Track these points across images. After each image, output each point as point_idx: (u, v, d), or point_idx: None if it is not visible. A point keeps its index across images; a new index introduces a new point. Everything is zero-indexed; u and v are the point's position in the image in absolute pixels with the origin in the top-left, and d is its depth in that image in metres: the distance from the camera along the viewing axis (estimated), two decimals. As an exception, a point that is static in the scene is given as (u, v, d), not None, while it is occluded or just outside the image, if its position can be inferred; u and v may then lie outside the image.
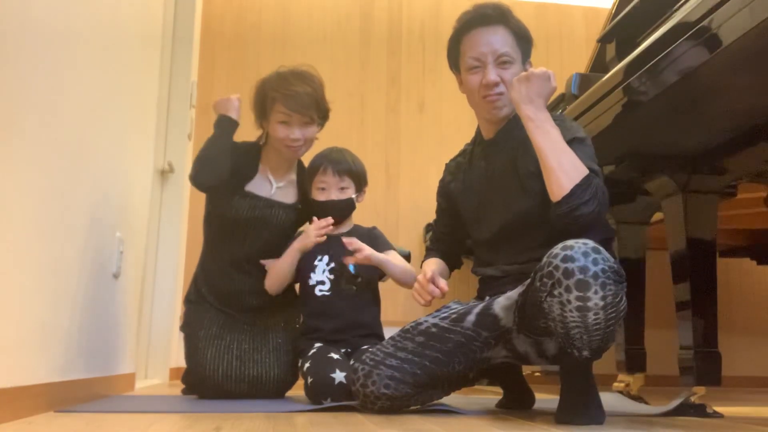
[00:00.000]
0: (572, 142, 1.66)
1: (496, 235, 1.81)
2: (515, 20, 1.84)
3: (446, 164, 2.02)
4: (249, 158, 2.31)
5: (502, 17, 1.82)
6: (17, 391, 1.37)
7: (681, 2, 1.74)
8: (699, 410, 1.83)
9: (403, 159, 4.10)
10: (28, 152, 1.41)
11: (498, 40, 1.79)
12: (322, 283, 2.15)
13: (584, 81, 2.26)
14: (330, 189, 2.19)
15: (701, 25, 1.53)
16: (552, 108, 2.44)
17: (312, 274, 2.16)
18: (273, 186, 2.31)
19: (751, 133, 1.84)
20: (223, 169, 2.20)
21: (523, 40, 1.83)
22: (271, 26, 4.17)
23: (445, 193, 2.00)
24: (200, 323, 2.19)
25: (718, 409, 1.87)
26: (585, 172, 1.59)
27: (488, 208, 1.83)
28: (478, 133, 1.92)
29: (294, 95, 2.21)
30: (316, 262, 2.17)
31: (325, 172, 2.19)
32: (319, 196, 2.20)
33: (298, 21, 4.22)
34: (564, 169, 1.58)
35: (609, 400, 2.16)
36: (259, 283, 2.23)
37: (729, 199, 2.13)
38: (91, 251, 1.91)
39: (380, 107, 4.14)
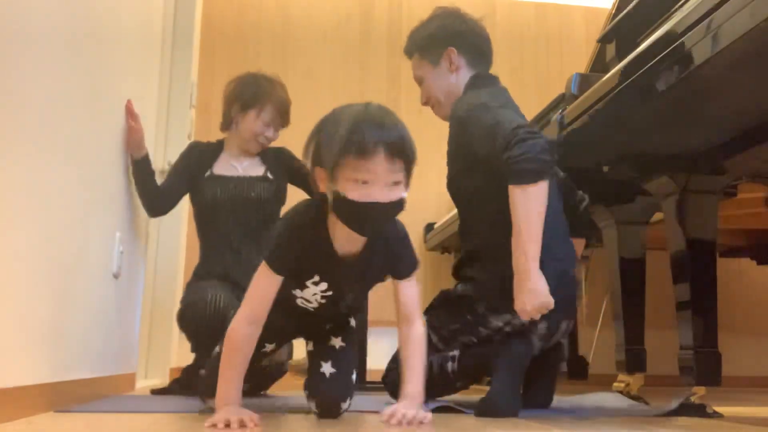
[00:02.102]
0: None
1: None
2: (416, 38, 2.04)
3: None
4: (210, 150, 2.47)
5: (409, 49, 2.09)
6: (17, 391, 1.37)
7: (681, 2, 1.74)
8: (699, 410, 1.83)
9: (403, 159, 4.10)
10: (28, 152, 1.41)
11: (413, 67, 2.15)
12: (308, 301, 1.56)
13: (584, 81, 2.25)
14: (377, 183, 1.33)
15: (701, 25, 1.53)
16: (552, 108, 2.44)
17: (297, 291, 1.53)
18: (238, 167, 2.43)
19: (751, 133, 1.84)
20: (153, 203, 2.40)
21: (424, 48, 2.05)
22: (271, 26, 4.17)
23: None
24: (204, 287, 2.26)
25: (718, 409, 1.87)
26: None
27: (452, 188, 2.08)
28: None
29: (281, 102, 2.41)
30: (308, 283, 1.51)
31: (374, 156, 1.31)
32: (355, 192, 1.32)
33: (298, 21, 4.22)
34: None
35: (609, 400, 2.16)
36: (249, 260, 2.28)
37: (729, 199, 2.13)
38: (91, 251, 1.91)
39: (380, 107, 4.14)
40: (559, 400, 2.17)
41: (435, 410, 1.77)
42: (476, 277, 1.88)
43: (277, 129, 2.44)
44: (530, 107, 3.52)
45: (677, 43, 1.62)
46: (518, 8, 4.40)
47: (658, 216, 2.29)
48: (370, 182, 1.31)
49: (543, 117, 2.55)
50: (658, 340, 2.64)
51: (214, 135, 4.09)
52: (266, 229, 2.34)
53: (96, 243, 1.96)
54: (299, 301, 1.55)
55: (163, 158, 3.22)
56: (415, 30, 2.06)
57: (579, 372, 3.17)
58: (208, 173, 2.41)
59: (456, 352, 1.87)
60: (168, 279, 3.23)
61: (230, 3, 4.17)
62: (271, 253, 1.43)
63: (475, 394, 2.24)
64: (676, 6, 1.76)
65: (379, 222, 1.37)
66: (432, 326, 1.87)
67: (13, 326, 1.37)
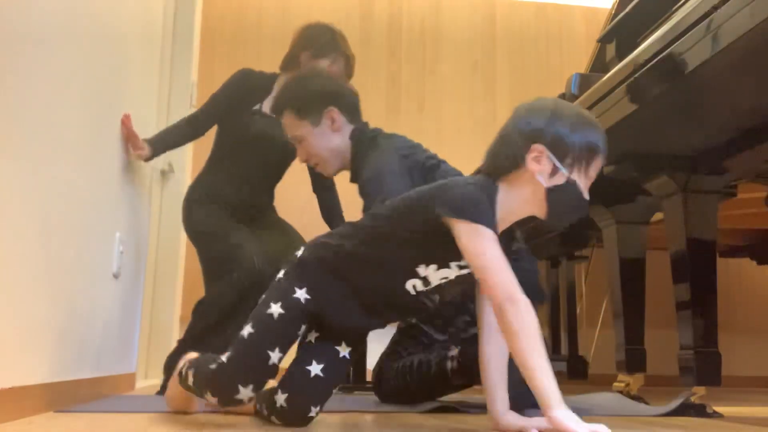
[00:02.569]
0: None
1: None
2: (292, 99, 1.99)
3: None
4: (263, 83, 2.48)
5: (282, 106, 2.00)
6: (17, 391, 1.37)
7: (681, 2, 1.74)
8: (699, 410, 1.83)
9: (403, 159, 4.10)
10: (27, 152, 1.41)
11: (287, 128, 2.02)
12: (426, 284, 1.36)
13: (584, 81, 2.26)
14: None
15: (701, 25, 1.53)
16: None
17: (432, 267, 1.34)
18: None
19: (751, 133, 1.84)
20: (190, 138, 2.57)
21: (303, 109, 1.97)
22: (271, 26, 4.17)
23: None
24: (219, 221, 2.34)
25: (718, 409, 1.87)
26: None
27: None
28: None
29: (352, 56, 2.52)
30: (452, 264, 1.33)
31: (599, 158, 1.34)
32: (585, 189, 1.32)
33: (298, 21, 4.18)
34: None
35: (609, 400, 2.16)
36: (256, 201, 2.42)
37: (729, 199, 2.13)
38: (91, 251, 1.91)
39: (380, 107, 4.14)
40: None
41: (435, 410, 1.78)
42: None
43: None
44: (530, 107, 3.54)
45: (677, 43, 1.62)
46: (518, 8, 4.40)
47: (658, 216, 2.29)
48: (586, 181, 1.31)
49: (543, 117, 2.55)
50: (658, 340, 2.64)
51: (214, 135, 4.10)
52: (278, 178, 2.55)
53: (96, 243, 1.96)
54: (410, 285, 1.35)
55: (163, 158, 3.22)
56: (286, 90, 2.04)
57: (579, 372, 3.17)
58: (257, 107, 2.44)
59: (455, 352, 1.87)
60: (168, 279, 3.23)
61: (230, 3, 4.16)
62: (467, 210, 1.22)
63: (475, 394, 2.24)
64: (676, 6, 1.76)
65: (582, 211, 1.33)
66: (423, 320, 1.93)
67: (13, 326, 1.37)
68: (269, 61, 4.12)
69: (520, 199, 1.29)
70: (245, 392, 1.31)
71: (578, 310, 3.39)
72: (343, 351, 1.44)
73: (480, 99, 4.21)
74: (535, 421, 1.24)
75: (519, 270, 1.26)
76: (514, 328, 1.16)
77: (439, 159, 2.06)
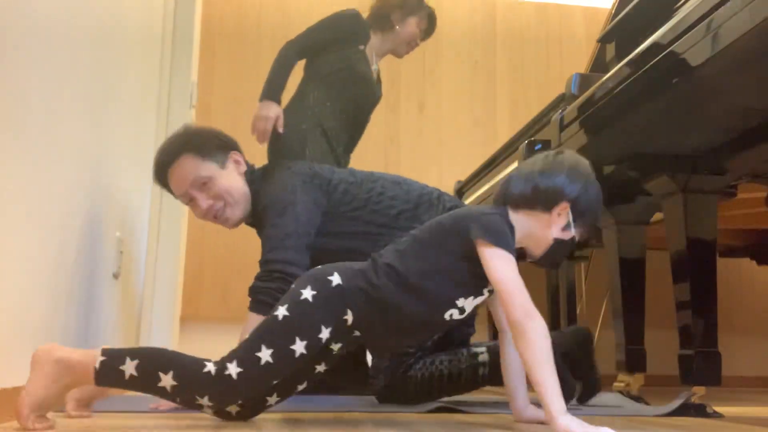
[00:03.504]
0: None
1: None
2: (190, 140, 1.88)
3: None
4: (367, 30, 2.62)
5: (177, 152, 1.87)
6: (17, 391, 1.37)
7: (681, 2, 1.74)
8: (699, 410, 1.83)
9: (403, 159, 4.09)
10: (28, 152, 1.41)
11: (185, 172, 1.86)
12: (462, 312, 1.43)
13: (584, 81, 2.26)
14: None
15: (701, 25, 1.53)
16: (552, 108, 2.44)
17: (470, 299, 1.43)
18: (374, 64, 2.68)
19: (752, 133, 1.84)
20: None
21: (207, 150, 1.88)
22: (271, 26, 4.17)
23: None
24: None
25: (718, 409, 1.87)
26: None
27: None
28: None
29: (433, 15, 2.76)
30: (485, 291, 1.44)
31: None
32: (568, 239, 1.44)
33: (298, 21, 4.20)
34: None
35: (609, 400, 2.16)
36: (336, 145, 2.52)
37: (729, 199, 2.13)
38: (91, 251, 1.91)
39: (380, 107, 4.11)
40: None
41: (435, 410, 1.78)
42: None
43: (423, 39, 2.77)
44: (530, 107, 3.54)
45: (677, 43, 1.62)
46: (518, 8, 4.40)
47: (658, 216, 2.29)
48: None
49: (543, 117, 2.56)
50: (658, 340, 2.64)
51: (214, 135, 4.09)
52: (358, 130, 2.69)
53: (96, 243, 1.96)
54: (447, 315, 1.41)
55: (163, 158, 3.22)
56: (183, 136, 1.92)
57: (579, 372, 3.16)
58: (362, 47, 2.59)
59: (485, 357, 1.89)
60: (168, 279, 3.23)
61: (230, 3, 4.16)
62: (500, 237, 1.35)
63: (476, 394, 2.24)
64: (676, 6, 1.76)
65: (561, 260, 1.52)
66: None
67: (12, 326, 1.37)
68: (269, 61, 4.13)
69: (527, 235, 1.42)
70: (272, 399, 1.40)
71: (578, 310, 3.38)
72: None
73: (480, 99, 4.21)
74: None
75: None
76: (529, 341, 1.26)
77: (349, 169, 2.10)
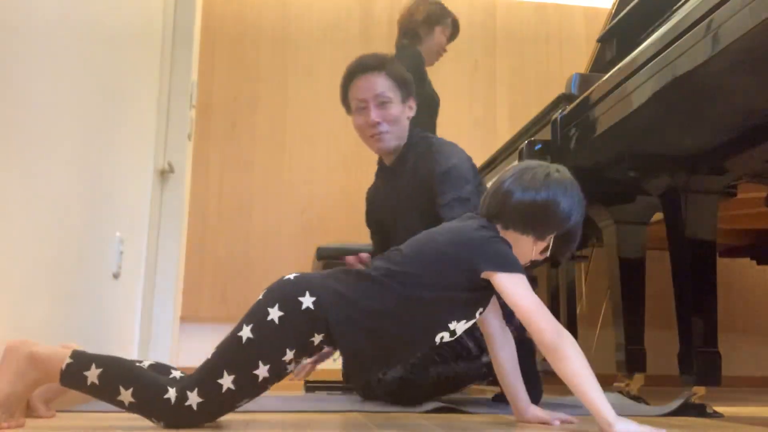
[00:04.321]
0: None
1: None
2: (394, 67, 2.11)
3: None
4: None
5: (379, 65, 2.09)
6: (17, 391, 1.36)
7: (681, 2, 1.74)
8: (699, 410, 1.83)
9: (403, 159, 4.09)
10: (28, 153, 1.41)
11: (376, 84, 2.07)
12: (452, 335, 1.40)
13: (584, 81, 2.26)
14: None
15: (701, 25, 1.53)
16: (552, 108, 2.44)
17: (462, 323, 1.40)
18: None
19: (751, 133, 1.84)
20: None
21: (402, 83, 2.10)
22: (271, 26, 4.17)
23: (368, 205, 2.32)
24: None
25: (718, 409, 1.87)
26: None
27: (396, 229, 2.12)
28: (381, 158, 2.23)
29: (456, 21, 3.17)
30: (477, 313, 1.42)
31: None
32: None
33: (298, 21, 4.22)
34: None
35: (609, 400, 2.16)
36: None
37: (729, 199, 2.13)
38: (91, 251, 1.91)
39: (380, 107, 4.15)
40: (559, 400, 2.17)
41: (435, 410, 1.78)
42: None
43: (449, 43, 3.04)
44: (530, 107, 3.53)
45: (677, 43, 1.62)
46: (518, 8, 4.39)
47: (658, 216, 2.29)
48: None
49: (543, 117, 2.55)
50: (658, 340, 2.64)
51: (214, 135, 4.11)
52: None
53: (96, 243, 1.96)
54: (438, 337, 1.37)
55: (163, 158, 3.22)
56: (391, 60, 2.13)
57: (579, 372, 3.16)
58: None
59: (487, 358, 1.91)
60: (168, 279, 3.23)
61: (230, 3, 4.16)
62: (509, 261, 1.35)
63: (475, 394, 2.24)
64: (676, 6, 1.76)
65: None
66: (468, 332, 1.91)
67: (13, 326, 1.37)
68: (269, 61, 4.14)
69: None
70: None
71: (578, 310, 3.38)
72: None
73: (480, 99, 4.21)
74: (558, 414, 1.44)
75: None
76: (567, 358, 1.26)
77: None
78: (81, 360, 1.28)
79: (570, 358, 1.25)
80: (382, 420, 1.54)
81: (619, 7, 2.47)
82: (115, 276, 2.19)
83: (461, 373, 1.96)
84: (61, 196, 1.63)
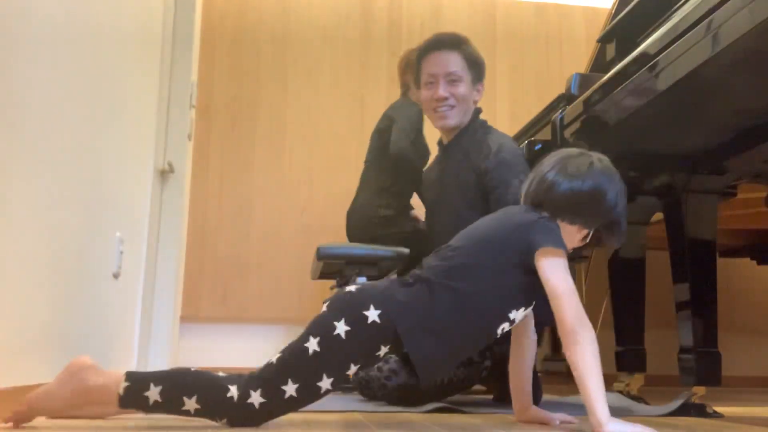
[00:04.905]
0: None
1: (444, 234, 1.96)
2: (469, 48, 2.18)
3: None
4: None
5: (455, 44, 2.16)
6: (17, 391, 1.37)
7: (681, 2, 1.74)
8: (699, 410, 1.83)
9: (403, 159, 4.09)
10: (28, 152, 1.41)
11: (450, 61, 2.14)
12: (512, 323, 1.41)
13: (584, 81, 2.26)
14: None
15: (701, 25, 1.53)
16: (552, 108, 2.44)
17: (522, 311, 1.41)
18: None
19: (751, 133, 1.84)
20: None
21: (474, 65, 2.17)
22: (271, 26, 4.17)
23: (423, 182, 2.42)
24: None
25: (718, 409, 1.87)
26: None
27: (440, 207, 2.20)
28: (440, 138, 2.29)
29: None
30: (514, 315, 1.40)
31: None
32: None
33: (299, 21, 4.22)
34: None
35: (609, 400, 2.16)
36: None
37: (729, 199, 2.13)
38: (91, 251, 1.91)
39: (380, 107, 4.13)
40: (559, 400, 2.17)
41: (435, 410, 1.78)
42: None
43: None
44: (530, 107, 3.53)
45: (677, 43, 1.62)
46: (518, 8, 4.39)
47: (658, 216, 2.29)
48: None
49: (543, 117, 2.55)
50: (658, 340, 2.64)
51: (214, 135, 4.11)
52: None
53: (96, 243, 1.96)
54: (501, 328, 1.38)
55: (163, 158, 3.22)
56: (467, 41, 2.20)
57: (579, 372, 3.16)
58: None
59: (488, 363, 2.00)
60: (168, 279, 3.23)
61: (230, 3, 4.16)
62: (558, 237, 1.34)
63: (475, 395, 2.24)
64: (676, 6, 1.76)
65: None
66: None
67: (13, 326, 1.37)
68: (269, 61, 4.13)
69: None
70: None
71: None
72: None
73: (480, 99, 4.20)
74: (558, 414, 1.45)
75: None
76: (582, 349, 1.26)
77: None
78: (138, 381, 1.28)
79: (583, 348, 1.25)
80: (382, 420, 1.54)
81: (619, 7, 2.47)
82: (115, 276, 2.19)
83: (463, 378, 1.97)
84: (61, 196, 1.63)
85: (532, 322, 1.52)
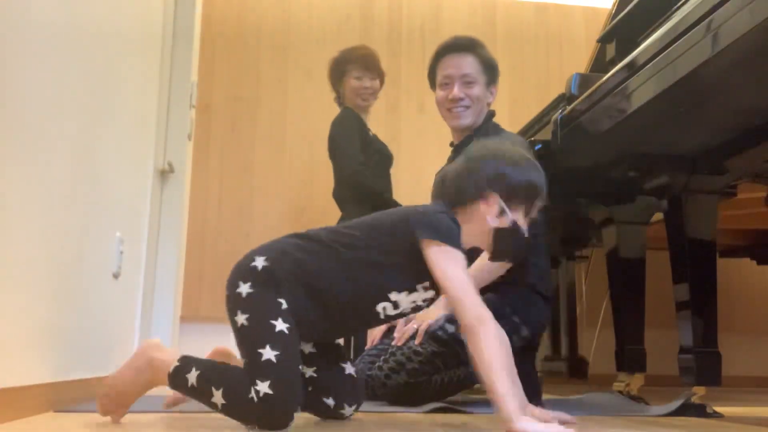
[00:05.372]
0: None
1: None
2: (484, 51, 2.24)
3: None
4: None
5: (470, 47, 2.22)
6: (17, 391, 1.37)
7: (681, 2, 1.74)
8: (699, 410, 1.83)
9: (403, 159, 4.09)
10: (28, 152, 1.41)
11: (465, 64, 2.19)
12: (396, 306, 1.43)
13: (584, 81, 2.26)
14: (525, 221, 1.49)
15: (701, 25, 1.53)
16: (552, 108, 2.45)
17: (404, 294, 1.42)
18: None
19: (751, 133, 1.84)
20: None
21: (489, 68, 2.23)
22: (272, 26, 4.17)
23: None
24: None
25: (718, 409, 1.87)
26: None
27: None
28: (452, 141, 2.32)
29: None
30: (419, 287, 1.42)
31: (539, 200, 1.49)
32: (523, 226, 1.45)
33: (299, 21, 4.22)
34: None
35: (609, 400, 2.16)
36: None
37: (729, 199, 2.13)
38: (91, 251, 1.91)
39: (380, 107, 4.13)
40: (559, 400, 2.17)
41: (435, 410, 1.78)
42: (505, 289, 1.98)
43: (374, 77, 3.20)
44: (530, 107, 3.53)
45: (677, 43, 1.62)
46: (518, 8, 4.39)
47: (658, 216, 2.29)
48: (522, 220, 1.42)
49: (543, 117, 2.56)
50: (658, 340, 2.64)
51: (214, 135, 4.11)
52: None
53: (96, 243, 1.96)
54: (380, 307, 1.41)
55: (163, 158, 3.22)
56: (481, 45, 2.25)
57: (579, 372, 3.17)
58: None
59: None
60: (168, 279, 3.23)
61: (230, 3, 4.16)
62: (443, 231, 1.35)
63: (475, 394, 2.24)
64: (676, 6, 1.76)
65: (521, 250, 1.47)
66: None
67: (13, 326, 1.37)
68: (269, 62, 4.13)
69: (469, 232, 1.41)
70: (295, 414, 1.32)
71: (578, 310, 3.39)
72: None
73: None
74: (556, 413, 1.44)
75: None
76: (481, 346, 1.24)
77: None
78: (185, 363, 1.36)
79: (483, 346, 1.24)
80: (382, 420, 1.54)
81: (619, 7, 2.47)
82: (115, 276, 2.19)
83: (463, 378, 1.97)
84: (61, 196, 1.63)
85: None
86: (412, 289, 1.41)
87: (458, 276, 1.30)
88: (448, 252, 1.32)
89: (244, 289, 1.35)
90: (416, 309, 1.47)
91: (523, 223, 1.42)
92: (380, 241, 1.39)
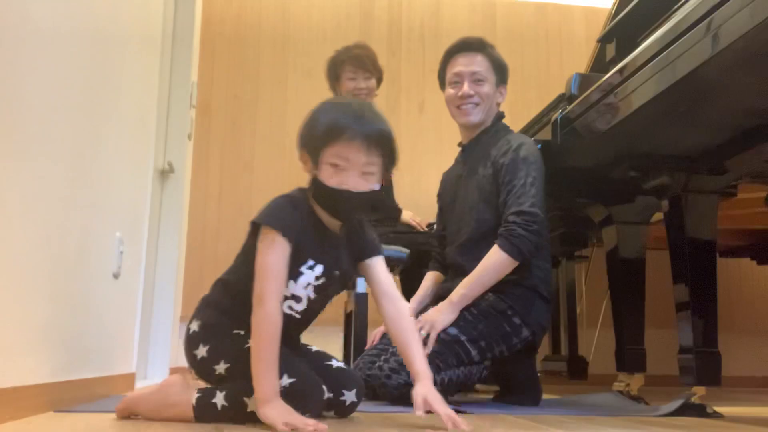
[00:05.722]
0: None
1: (457, 226, 2.20)
2: (494, 51, 2.25)
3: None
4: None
5: (480, 47, 2.24)
6: (17, 391, 1.37)
7: (681, 2, 1.74)
8: (699, 410, 1.83)
9: (402, 159, 4.07)
10: (28, 152, 1.41)
11: (475, 62, 2.21)
12: (298, 300, 1.47)
13: (584, 81, 2.26)
14: (351, 171, 1.39)
15: (701, 25, 1.53)
16: (552, 108, 2.45)
17: (290, 286, 1.45)
18: None
19: (751, 133, 1.84)
20: None
21: (498, 68, 2.23)
22: (271, 26, 4.17)
23: (440, 187, 2.42)
24: None
25: (718, 409, 1.87)
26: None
27: (457, 208, 2.23)
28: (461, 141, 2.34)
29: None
30: (303, 269, 1.44)
31: (351, 143, 1.38)
32: (332, 178, 1.39)
33: (298, 21, 4.22)
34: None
35: (609, 400, 2.16)
36: None
37: (729, 199, 2.13)
38: (91, 251, 1.91)
39: (380, 107, 4.14)
40: (559, 400, 2.17)
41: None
42: (507, 290, 2.02)
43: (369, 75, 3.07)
44: (530, 107, 3.53)
45: (677, 43, 1.62)
46: (518, 8, 4.40)
47: (658, 216, 2.29)
48: (344, 169, 1.36)
49: (543, 117, 2.56)
50: (658, 340, 2.64)
51: (214, 135, 4.10)
52: None
53: (96, 243, 1.96)
54: (286, 307, 1.44)
55: (163, 158, 3.22)
56: (491, 45, 2.26)
57: (579, 372, 3.17)
58: None
59: (488, 362, 2.04)
60: (168, 279, 3.23)
61: (230, 3, 4.16)
62: (272, 216, 1.38)
63: (475, 394, 2.24)
64: (676, 6, 1.76)
65: (351, 209, 1.42)
66: (471, 339, 1.98)
67: (13, 326, 1.37)
68: (269, 62, 4.13)
69: (315, 199, 1.43)
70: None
71: (578, 310, 3.39)
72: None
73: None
74: (449, 411, 1.38)
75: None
76: (254, 327, 1.31)
77: None
78: (207, 391, 1.38)
79: (256, 328, 1.31)
80: (382, 420, 1.54)
81: (619, 7, 2.47)
82: (115, 276, 2.19)
83: (464, 377, 1.98)
84: (60, 196, 1.63)
85: (390, 281, 1.53)
86: (297, 274, 1.43)
87: (268, 258, 1.34)
88: (268, 235, 1.36)
89: (202, 351, 1.44)
90: (319, 289, 1.46)
91: (332, 172, 1.37)
92: (251, 237, 1.45)
